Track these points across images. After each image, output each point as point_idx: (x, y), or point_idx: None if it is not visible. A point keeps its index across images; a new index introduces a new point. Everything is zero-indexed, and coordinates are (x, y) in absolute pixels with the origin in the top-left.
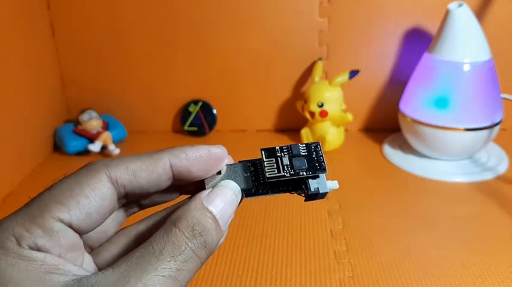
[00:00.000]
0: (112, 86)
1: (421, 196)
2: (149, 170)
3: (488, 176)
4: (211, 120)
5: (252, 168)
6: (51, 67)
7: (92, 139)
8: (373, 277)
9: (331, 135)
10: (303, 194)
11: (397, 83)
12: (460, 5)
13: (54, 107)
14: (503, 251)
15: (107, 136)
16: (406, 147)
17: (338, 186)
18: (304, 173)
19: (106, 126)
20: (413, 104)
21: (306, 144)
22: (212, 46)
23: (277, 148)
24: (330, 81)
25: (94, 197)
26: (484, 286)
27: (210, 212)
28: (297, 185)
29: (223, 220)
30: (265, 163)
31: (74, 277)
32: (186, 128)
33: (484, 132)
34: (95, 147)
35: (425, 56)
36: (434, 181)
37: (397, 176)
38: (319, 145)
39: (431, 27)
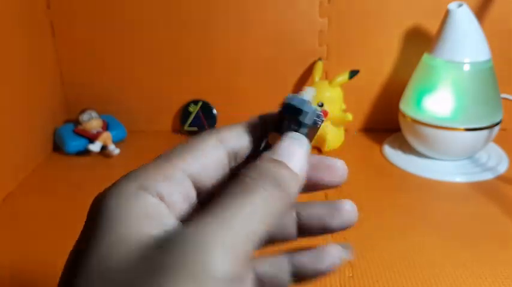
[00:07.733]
0: (112, 86)
1: (421, 196)
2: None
3: (488, 176)
4: (211, 120)
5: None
6: (51, 67)
7: (92, 139)
8: (373, 277)
9: (331, 135)
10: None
11: (397, 83)
12: (460, 5)
13: (54, 107)
14: (503, 251)
15: (106, 136)
16: (406, 147)
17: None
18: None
19: (106, 126)
20: (414, 104)
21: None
22: (212, 46)
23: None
24: (330, 81)
25: (209, 154)
26: (484, 286)
27: (276, 160)
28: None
29: (295, 165)
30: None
31: (164, 232)
32: (186, 128)
33: (484, 132)
34: (95, 147)
35: (425, 56)
36: (434, 181)
37: (397, 176)
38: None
39: (431, 27)
